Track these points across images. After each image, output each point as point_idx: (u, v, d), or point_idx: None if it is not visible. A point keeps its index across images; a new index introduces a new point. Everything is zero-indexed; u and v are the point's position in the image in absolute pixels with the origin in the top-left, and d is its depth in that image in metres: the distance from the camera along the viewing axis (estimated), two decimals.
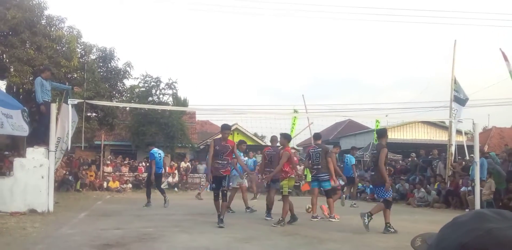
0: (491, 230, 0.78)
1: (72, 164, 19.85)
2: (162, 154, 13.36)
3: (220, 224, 8.25)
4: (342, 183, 12.94)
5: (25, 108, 11.40)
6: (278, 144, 10.13)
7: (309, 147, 10.69)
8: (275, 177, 9.16)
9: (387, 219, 8.06)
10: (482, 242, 0.77)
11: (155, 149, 13.09)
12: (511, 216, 0.82)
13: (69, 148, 11.50)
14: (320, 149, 9.94)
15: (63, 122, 11.01)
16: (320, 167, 9.81)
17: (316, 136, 11.07)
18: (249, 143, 30.68)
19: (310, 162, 10.31)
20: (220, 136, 9.25)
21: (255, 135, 32.78)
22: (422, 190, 15.26)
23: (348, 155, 14.63)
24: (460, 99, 15.71)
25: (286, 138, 9.68)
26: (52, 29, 16.59)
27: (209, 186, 8.56)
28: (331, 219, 9.73)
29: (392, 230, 7.95)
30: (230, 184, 9.98)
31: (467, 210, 11.55)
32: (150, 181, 12.96)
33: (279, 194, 9.64)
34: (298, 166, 23.79)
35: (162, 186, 20.86)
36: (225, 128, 9.03)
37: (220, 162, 8.59)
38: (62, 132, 11.05)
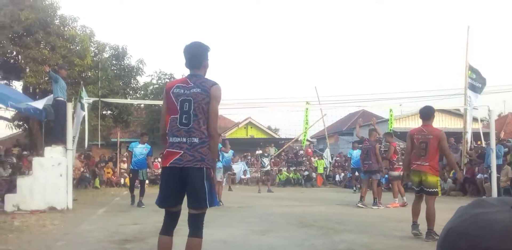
0: (477, 215, 0.78)
1: (90, 161, 20.10)
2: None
3: None
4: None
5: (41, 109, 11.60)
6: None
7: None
8: (373, 168, 10.51)
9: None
10: (464, 226, 0.78)
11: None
12: (510, 202, 0.79)
13: (86, 146, 11.60)
14: None
15: (77, 121, 11.21)
16: None
17: None
18: (262, 136, 30.93)
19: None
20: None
21: (269, 128, 32.83)
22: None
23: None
24: (475, 87, 15.52)
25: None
26: (66, 29, 16.77)
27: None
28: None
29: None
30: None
31: (484, 197, 11.53)
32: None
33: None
34: (312, 158, 23.95)
35: None
36: None
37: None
38: (76, 130, 11.23)
